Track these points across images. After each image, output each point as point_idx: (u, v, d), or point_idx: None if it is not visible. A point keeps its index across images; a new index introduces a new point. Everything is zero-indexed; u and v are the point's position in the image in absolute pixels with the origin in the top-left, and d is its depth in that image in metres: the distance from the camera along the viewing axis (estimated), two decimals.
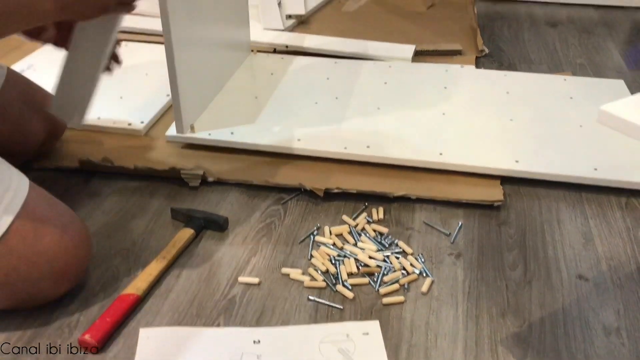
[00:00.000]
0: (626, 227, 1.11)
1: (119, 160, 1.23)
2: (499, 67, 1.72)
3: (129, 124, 1.36)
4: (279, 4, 2.06)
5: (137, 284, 0.95)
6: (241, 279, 0.98)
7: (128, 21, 1.91)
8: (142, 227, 1.10)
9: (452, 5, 2.14)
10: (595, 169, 1.20)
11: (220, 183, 1.21)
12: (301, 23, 1.97)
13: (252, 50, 1.71)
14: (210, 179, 1.21)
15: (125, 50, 1.75)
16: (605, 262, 1.03)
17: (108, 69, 1.06)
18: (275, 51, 1.75)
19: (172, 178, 1.21)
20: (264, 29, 1.86)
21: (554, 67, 1.72)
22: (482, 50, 1.77)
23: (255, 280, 0.98)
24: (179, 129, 1.30)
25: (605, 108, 0.86)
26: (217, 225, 1.08)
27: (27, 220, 0.84)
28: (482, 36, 1.87)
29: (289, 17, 1.96)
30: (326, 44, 1.76)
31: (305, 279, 0.97)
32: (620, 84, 1.55)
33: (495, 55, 1.79)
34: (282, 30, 1.86)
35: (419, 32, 1.90)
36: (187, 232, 1.05)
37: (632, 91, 1.53)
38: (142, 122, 1.37)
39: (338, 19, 2.02)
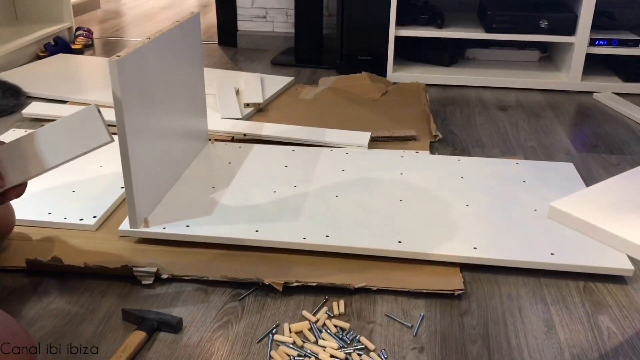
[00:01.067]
0: (586, 313, 1.11)
1: (68, 259, 1.19)
2: (453, 151, 1.76)
3: (81, 219, 1.33)
4: (237, 92, 2.10)
5: None
6: None
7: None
8: (91, 330, 1.04)
9: (405, 91, 2.21)
10: (552, 254, 1.22)
11: (175, 279, 1.17)
12: (259, 111, 2.00)
13: (210, 140, 1.72)
14: (165, 276, 1.17)
15: None
16: (568, 350, 1.02)
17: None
18: (233, 140, 1.76)
19: (124, 276, 1.17)
20: (222, 117, 1.88)
21: (506, 150, 1.78)
22: (436, 136, 1.82)
23: None
24: (133, 223, 1.27)
25: (555, 205, 0.87)
26: (171, 327, 1.03)
27: None
28: (435, 121, 1.93)
29: (247, 105, 1.99)
30: (284, 131, 1.78)
31: None
32: (569, 167, 1.60)
33: (448, 140, 1.84)
34: (240, 118, 1.88)
35: (374, 119, 1.94)
36: (138, 336, 1.00)
37: (581, 173, 1.58)
38: (94, 217, 1.33)
39: (295, 106, 2.06)
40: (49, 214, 1.34)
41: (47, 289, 1.15)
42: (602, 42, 2.25)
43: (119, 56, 1.14)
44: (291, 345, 1.01)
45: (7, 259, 1.21)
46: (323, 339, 1.02)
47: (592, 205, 0.86)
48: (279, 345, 1.01)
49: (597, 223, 0.82)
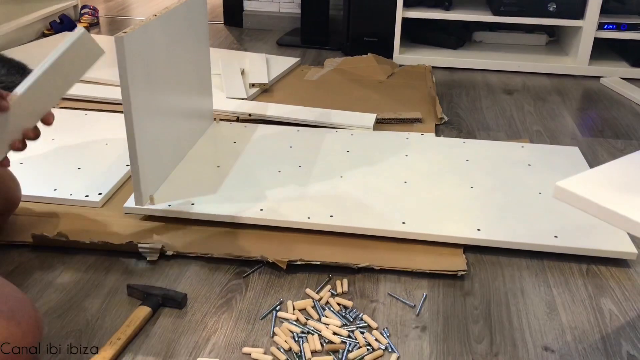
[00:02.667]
0: (588, 295, 1.11)
1: (74, 235, 1.19)
2: (458, 134, 1.75)
3: (86, 196, 1.33)
4: (242, 72, 2.09)
5: None
6: None
7: (88, 89, 1.91)
8: (96, 305, 1.05)
9: (411, 74, 2.20)
10: (556, 237, 1.22)
11: (179, 256, 1.18)
12: (264, 92, 1.99)
13: (215, 119, 1.72)
14: (169, 253, 1.17)
15: (85, 119, 1.73)
16: (569, 332, 1.03)
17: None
18: (238, 120, 1.76)
19: (129, 252, 1.17)
20: (227, 97, 1.87)
21: (512, 133, 1.77)
22: (442, 118, 1.81)
23: None
24: (138, 200, 1.27)
25: (560, 184, 0.87)
26: (175, 303, 1.04)
27: None
28: (441, 104, 1.92)
29: (252, 85, 1.98)
30: (289, 112, 1.77)
31: (267, 359, 0.94)
32: (575, 151, 1.59)
33: (454, 123, 1.83)
34: (245, 99, 1.88)
35: (380, 100, 1.93)
36: (143, 311, 1.01)
37: (587, 158, 1.58)
38: (99, 194, 1.34)
39: (301, 87, 2.05)
40: (55, 190, 1.35)
41: (53, 264, 1.16)
42: (611, 27, 2.23)
43: (125, 32, 1.14)
44: (294, 322, 1.02)
45: (13, 233, 1.22)
46: (326, 317, 1.03)
47: (597, 185, 0.86)
48: (283, 322, 1.02)
49: (602, 202, 0.82)
